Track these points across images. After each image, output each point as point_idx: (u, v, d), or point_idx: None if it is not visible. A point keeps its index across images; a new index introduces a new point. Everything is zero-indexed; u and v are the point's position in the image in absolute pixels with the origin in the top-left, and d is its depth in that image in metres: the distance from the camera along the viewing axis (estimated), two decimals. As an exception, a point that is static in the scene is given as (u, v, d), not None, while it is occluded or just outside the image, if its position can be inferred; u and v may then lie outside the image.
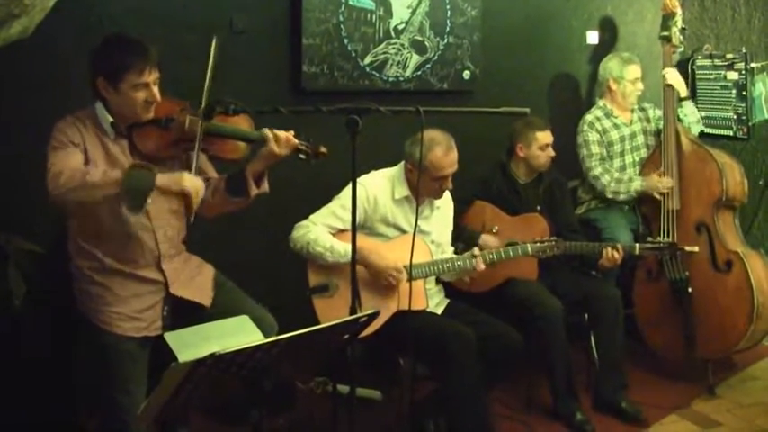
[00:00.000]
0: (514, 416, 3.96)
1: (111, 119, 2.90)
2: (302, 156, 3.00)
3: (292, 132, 2.97)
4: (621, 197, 4.58)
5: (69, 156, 2.79)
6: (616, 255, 3.88)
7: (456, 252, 3.77)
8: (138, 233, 2.94)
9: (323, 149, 3.02)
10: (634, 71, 4.74)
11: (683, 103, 4.57)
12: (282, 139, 2.92)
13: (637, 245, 3.99)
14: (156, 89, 2.87)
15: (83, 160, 2.83)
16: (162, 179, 2.73)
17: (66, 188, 2.67)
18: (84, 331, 2.93)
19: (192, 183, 2.80)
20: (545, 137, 4.13)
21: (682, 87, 4.58)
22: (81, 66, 2.94)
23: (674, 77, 4.53)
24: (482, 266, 3.55)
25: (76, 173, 2.70)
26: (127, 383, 2.84)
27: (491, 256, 3.61)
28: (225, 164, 3.08)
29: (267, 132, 2.93)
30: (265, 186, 3.05)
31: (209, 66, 2.93)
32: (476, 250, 3.57)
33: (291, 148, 2.95)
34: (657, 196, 4.41)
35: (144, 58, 2.82)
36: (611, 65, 4.80)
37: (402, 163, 3.62)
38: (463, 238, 3.98)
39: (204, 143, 2.92)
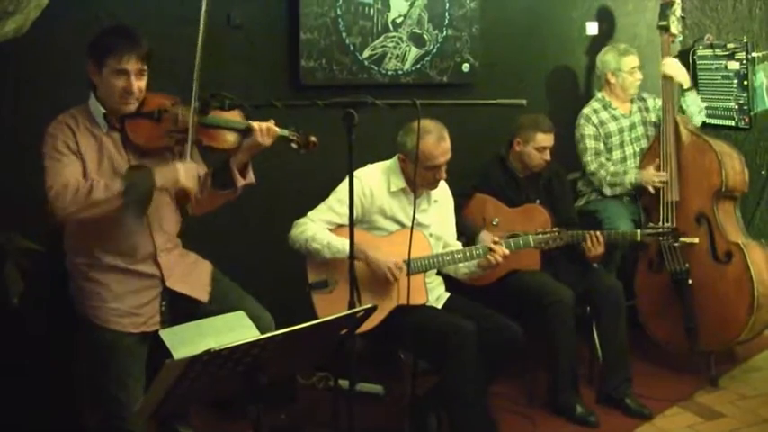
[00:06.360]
0: (516, 409, 3.95)
1: (103, 110, 2.90)
2: (293, 145, 3.04)
3: (272, 121, 2.99)
4: (618, 190, 4.57)
5: (66, 169, 2.79)
6: (596, 242, 3.86)
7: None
8: (132, 227, 2.93)
9: (313, 138, 3.05)
10: (631, 61, 4.72)
11: (686, 93, 4.54)
12: (264, 129, 2.95)
13: (638, 231, 3.97)
14: (137, 82, 2.86)
15: (80, 168, 2.83)
16: (160, 178, 2.78)
17: (72, 210, 2.71)
18: (83, 328, 2.93)
19: (187, 175, 2.82)
20: (544, 139, 4.08)
21: (684, 78, 4.54)
22: (79, 62, 2.94)
23: (672, 68, 4.49)
24: (500, 258, 3.52)
25: (79, 193, 2.72)
26: (125, 379, 2.84)
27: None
28: (216, 154, 3.07)
29: (252, 123, 2.96)
30: (251, 177, 3.07)
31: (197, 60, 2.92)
32: (491, 243, 3.54)
33: (273, 137, 2.98)
34: (651, 189, 4.40)
35: (127, 43, 2.83)
36: (607, 58, 4.77)
37: (397, 155, 3.61)
38: (464, 233, 3.97)
39: (197, 134, 2.93)
